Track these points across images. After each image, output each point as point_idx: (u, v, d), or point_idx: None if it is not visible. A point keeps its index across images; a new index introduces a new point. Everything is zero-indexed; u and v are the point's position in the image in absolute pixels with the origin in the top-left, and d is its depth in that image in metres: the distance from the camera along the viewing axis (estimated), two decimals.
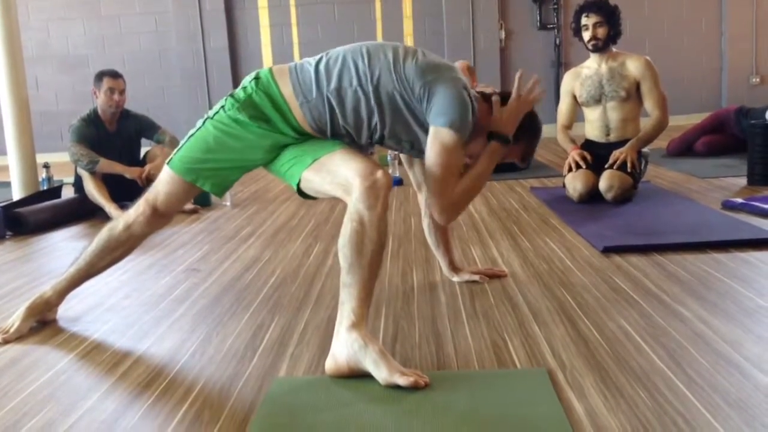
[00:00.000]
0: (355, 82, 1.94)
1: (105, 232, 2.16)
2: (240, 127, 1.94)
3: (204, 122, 2.02)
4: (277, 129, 1.95)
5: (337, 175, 1.82)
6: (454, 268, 2.50)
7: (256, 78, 1.99)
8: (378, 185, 1.73)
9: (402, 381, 1.60)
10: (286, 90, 1.96)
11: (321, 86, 1.94)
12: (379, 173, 1.75)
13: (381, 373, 1.63)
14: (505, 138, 2.08)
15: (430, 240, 2.51)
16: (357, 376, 1.67)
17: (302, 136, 1.98)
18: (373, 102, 1.94)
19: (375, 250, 1.72)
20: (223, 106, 1.99)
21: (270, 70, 2.01)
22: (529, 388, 1.60)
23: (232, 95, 2.00)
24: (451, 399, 1.56)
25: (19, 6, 5.10)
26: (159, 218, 2.14)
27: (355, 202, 1.73)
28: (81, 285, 2.27)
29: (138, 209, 2.12)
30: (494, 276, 2.49)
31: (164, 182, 2.09)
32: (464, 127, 1.95)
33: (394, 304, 2.27)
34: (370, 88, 1.93)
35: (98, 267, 2.20)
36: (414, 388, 1.59)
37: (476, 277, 2.45)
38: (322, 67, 1.97)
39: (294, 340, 1.99)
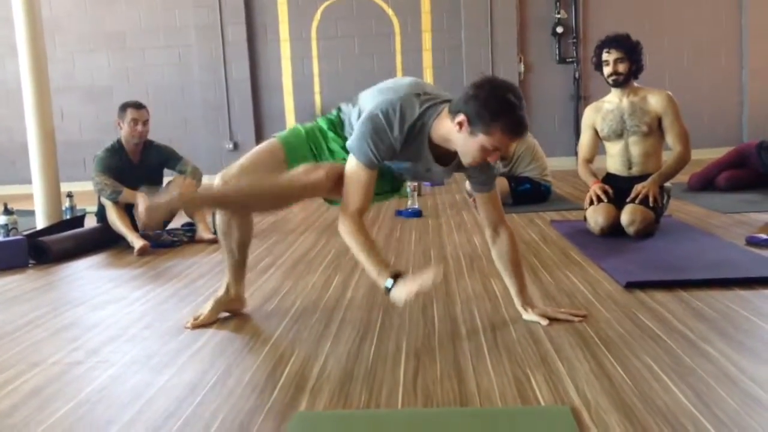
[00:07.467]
0: None
1: None
2: None
3: None
4: None
5: None
6: (525, 302, 2.42)
7: None
8: None
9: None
10: None
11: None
12: None
13: None
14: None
15: (499, 266, 2.47)
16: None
17: None
18: None
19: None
20: None
21: None
22: (554, 427, 1.58)
23: None
24: None
25: (46, 38, 5.19)
26: None
27: None
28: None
29: None
30: (573, 317, 2.35)
31: None
32: (360, 154, 2.22)
33: (415, 338, 2.25)
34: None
35: None
36: None
37: (544, 322, 2.31)
38: None
39: (314, 374, 1.98)
